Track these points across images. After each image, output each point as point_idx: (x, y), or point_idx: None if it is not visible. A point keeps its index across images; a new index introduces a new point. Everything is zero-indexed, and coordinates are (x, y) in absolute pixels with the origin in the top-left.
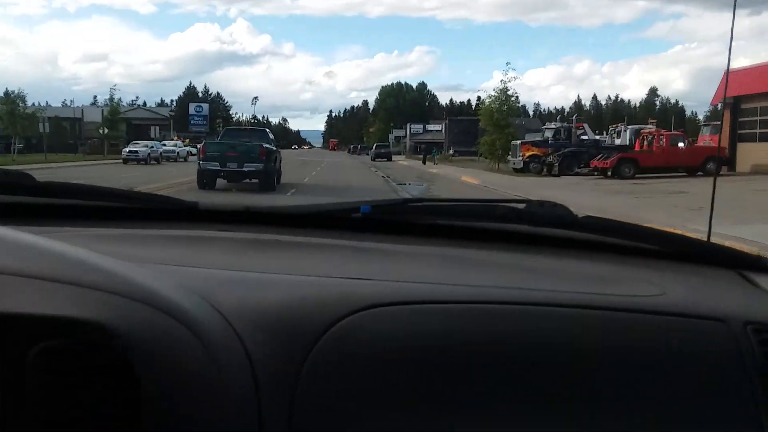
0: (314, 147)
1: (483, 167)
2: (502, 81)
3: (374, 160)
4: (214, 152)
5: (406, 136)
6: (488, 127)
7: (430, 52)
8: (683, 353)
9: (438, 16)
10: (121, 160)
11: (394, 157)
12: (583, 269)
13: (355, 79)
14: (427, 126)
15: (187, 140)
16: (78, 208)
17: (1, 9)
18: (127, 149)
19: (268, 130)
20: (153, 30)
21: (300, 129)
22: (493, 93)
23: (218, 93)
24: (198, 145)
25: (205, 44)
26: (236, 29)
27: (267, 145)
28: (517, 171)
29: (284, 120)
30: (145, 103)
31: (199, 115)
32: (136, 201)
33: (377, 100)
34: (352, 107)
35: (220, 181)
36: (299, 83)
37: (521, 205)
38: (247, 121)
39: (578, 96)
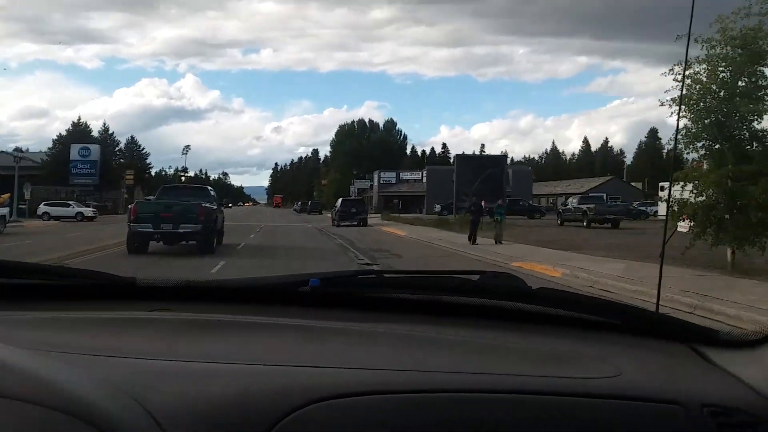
0: (259, 204)
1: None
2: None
3: (339, 226)
4: (147, 213)
5: (371, 188)
6: None
7: (380, 107)
8: None
9: (388, 70)
10: None
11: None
12: (539, 347)
13: (303, 134)
14: (401, 174)
15: (5, 195)
16: (6, 287)
17: None
18: None
19: (209, 187)
20: (99, 85)
21: (246, 185)
22: None
23: (132, 137)
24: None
25: (152, 99)
26: (185, 84)
27: (207, 204)
28: None
29: (224, 174)
30: (19, 149)
31: (84, 161)
32: (70, 278)
33: (333, 144)
34: (300, 158)
35: (155, 244)
36: (247, 138)
37: (475, 277)
38: (175, 174)
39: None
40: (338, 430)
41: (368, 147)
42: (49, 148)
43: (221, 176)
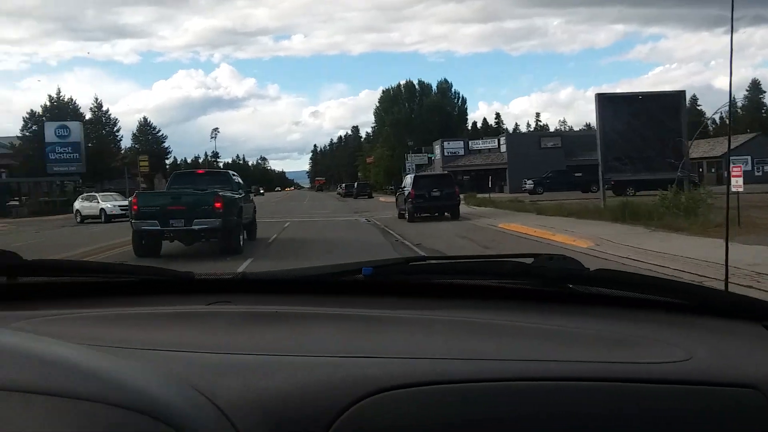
0: (302, 188)
1: None
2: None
3: (415, 219)
4: (151, 207)
5: (431, 162)
6: None
7: None
8: (713, 426)
9: (420, 50)
10: None
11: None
12: (603, 332)
13: (341, 117)
14: (471, 144)
15: None
16: (67, 286)
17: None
18: None
19: (232, 172)
20: (138, 79)
21: (288, 170)
22: None
23: (145, 119)
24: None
25: (190, 90)
26: (220, 74)
27: (226, 193)
28: None
29: (263, 159)
30: None
31: (63, 144)
32: (129, 274)
33: (376, 113)
34: (340, 137)
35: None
36: (286, 124)
37: (529, 260)
38: (205, 160)
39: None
40: (401, 421)
41: (421, 114)
42: (20, 130)
43: (260, 161)
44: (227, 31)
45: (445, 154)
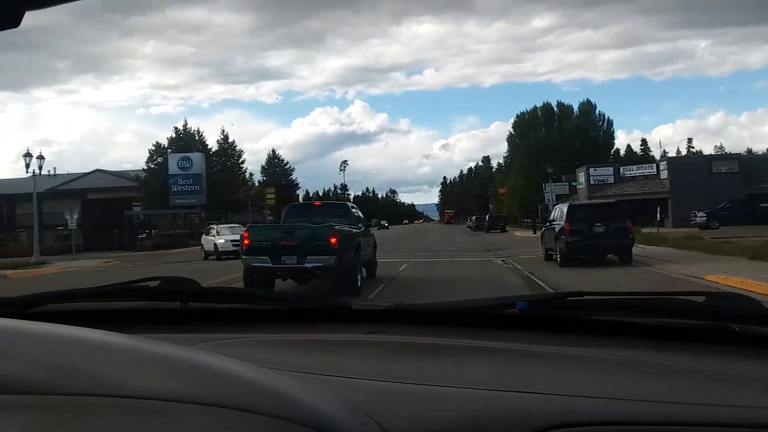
0: (432, 220)
1: None
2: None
3: (567, 263)
4: (262, 241)
5: (575, 191)
6: None
7: None
8: None
9: (554, 78)
10: None
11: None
12: None
13: (471, 149)
14: (623, 170)
15: None
16: (235, 312)
17: (143, 110)
18: None
19: (350, 204)
20: (278, 117)
21: (418, 203)
22: None
23: (273, 151)
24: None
25: (326, 126)
26: (354, 110)
27: (343, 227)
28: None
29: (392, 192)
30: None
31: (185, 177)
32: (290, 303)
33: (510, 139)
34: (470, 169)
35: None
36: (416, 157)
37: (700, 298)
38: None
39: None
40: None
41: (560, 138)
42: (145, 162)
43: (389, 194)
44: (361, 68)
45: (591, 182)
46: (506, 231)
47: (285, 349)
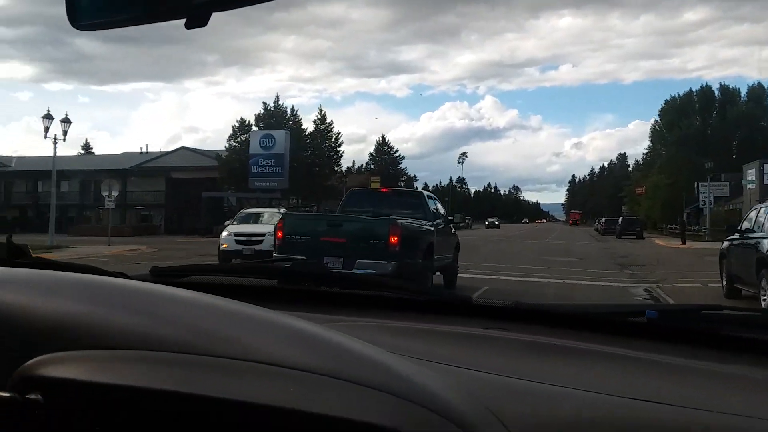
0: (557, 221)
1: None
2: None
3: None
4: (299, 236)
5: (742, 190)
6: None
7: None
8: None
9: (704, 75)
10: None
11: None
12: None
13: (605, 149)
14: None
15: None
16: (361, 298)
17: (281, 102)
18: None
19: (428, 193)
20: (407, 111)
21: (544, 202)
22: None
23: (383, 137)
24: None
25: (454, 121)
26: (484, 105)
27: (410, 222)
28: None
29: (515, 189)
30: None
31: (266, 156)
32: (408, 292)
33: (654, 129)
34: (602, 167)
35: None
36: (546, 155)
37: None
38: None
39: None
40: None
41: (722, 129)
42: (227, 140)
43: (512, 191)
44: (494, 63)
45: (765, 181)
46: (643, 237)
47: (408, 336)
